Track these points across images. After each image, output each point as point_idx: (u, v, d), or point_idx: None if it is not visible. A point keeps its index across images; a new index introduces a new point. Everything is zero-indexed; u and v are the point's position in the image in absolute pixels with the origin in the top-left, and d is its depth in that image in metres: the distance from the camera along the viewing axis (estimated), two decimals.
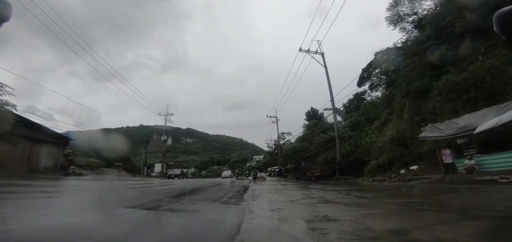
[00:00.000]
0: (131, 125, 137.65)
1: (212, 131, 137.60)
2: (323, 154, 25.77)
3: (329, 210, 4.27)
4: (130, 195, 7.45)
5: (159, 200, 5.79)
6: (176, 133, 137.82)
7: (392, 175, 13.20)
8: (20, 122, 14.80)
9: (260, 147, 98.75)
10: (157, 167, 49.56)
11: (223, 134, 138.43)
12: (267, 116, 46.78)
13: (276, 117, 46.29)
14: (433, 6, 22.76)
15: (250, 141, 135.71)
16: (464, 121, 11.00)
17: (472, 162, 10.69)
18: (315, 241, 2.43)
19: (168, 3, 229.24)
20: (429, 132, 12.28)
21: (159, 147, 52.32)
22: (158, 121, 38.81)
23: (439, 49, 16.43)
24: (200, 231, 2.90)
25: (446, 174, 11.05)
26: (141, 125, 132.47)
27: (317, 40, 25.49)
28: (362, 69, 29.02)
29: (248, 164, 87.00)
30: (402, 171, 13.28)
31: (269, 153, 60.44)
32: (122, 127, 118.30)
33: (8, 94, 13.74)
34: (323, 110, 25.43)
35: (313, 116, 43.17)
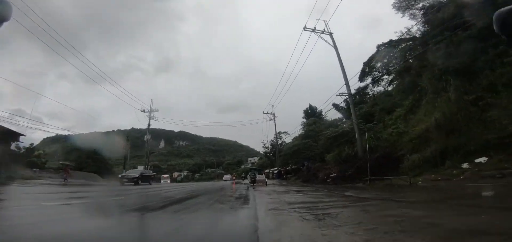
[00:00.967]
0: (122, 128, 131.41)
1: (205, 134, 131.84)
2: (332, 152, 22.33)
3: None
4: None
5: None
6: (169, 136, 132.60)
7: (454, 172, 9.32)
8: None
9: (255, 149, 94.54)
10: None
11: (216, 136, 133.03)
12: (263, 113, 42.93)
13: (274, 114, 42.47)
14: None
15: (244, 143, 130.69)
16: None
17: None
18: None
19: (161, 4, 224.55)
20: None
21: (152, 149, 48.37)
22: (144, 123, 34.04)
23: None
24: None
25: None
26: (132, 128, 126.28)
27: (324, 20, 21.75)
28: (363, 63, 26.11)
29: (243, 166, 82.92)
30: (464, 165, 9.43)
31: (265, 153, 56.36)
32: (113, 130, 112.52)
33: None
34: (338, 94, 21.81)
35: (312, 114, 40.11)
